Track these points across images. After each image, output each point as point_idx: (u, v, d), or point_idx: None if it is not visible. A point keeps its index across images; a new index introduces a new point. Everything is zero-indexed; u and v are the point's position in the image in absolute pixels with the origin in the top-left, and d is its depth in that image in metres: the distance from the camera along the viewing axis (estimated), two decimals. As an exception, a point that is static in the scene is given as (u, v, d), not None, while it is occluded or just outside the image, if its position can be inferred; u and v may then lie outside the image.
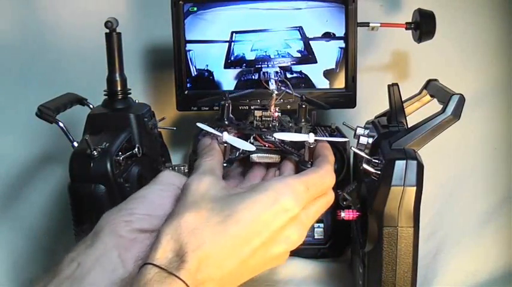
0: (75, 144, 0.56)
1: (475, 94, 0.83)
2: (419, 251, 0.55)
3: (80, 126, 0.60)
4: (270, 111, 0.58)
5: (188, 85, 0.71)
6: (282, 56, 0.69)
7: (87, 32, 0.82)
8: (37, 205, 0.86)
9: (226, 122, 0.58)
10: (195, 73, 0.70)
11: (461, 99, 0.55)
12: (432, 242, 0.85)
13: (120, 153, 0.55)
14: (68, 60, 0.84)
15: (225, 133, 0.55)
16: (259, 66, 0.69)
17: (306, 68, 0.69)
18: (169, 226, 0.44)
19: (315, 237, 0.77)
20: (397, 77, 0.85)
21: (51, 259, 0.86)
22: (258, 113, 0.59)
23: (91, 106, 0.65)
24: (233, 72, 0.70)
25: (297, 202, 0.46)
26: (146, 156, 0.61)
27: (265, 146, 0.57)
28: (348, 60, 0.69)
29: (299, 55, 0.69)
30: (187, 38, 0.69)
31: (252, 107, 0.69)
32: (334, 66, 0.70)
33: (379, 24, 0.70)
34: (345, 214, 0.58)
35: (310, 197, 0.48)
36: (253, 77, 0.69)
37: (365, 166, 0.56)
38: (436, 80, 0.67)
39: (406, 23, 0.71)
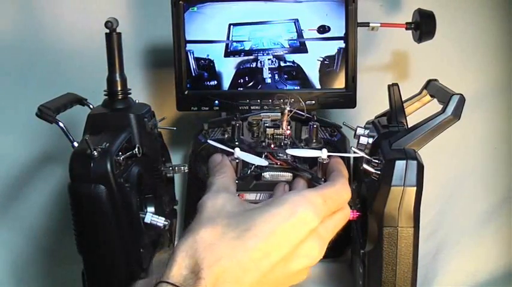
0: (75, 144, 0.55)
1: (475, 94, 0.83)
2: (419, 251, 0.55)
3: (80, 126, 0.60)
4: (282, 128, 0.58)
5: (188, 85, 0.71)
6: (275, 44, 0.69)
7: (87, 32, 0.81)
8: (37, 205, 0.86)
9: (237, 143, 0.58)
10: (195, 73, 0.70)
11: (462, 99, 0.55)
12: (432, 242, 0.85)
13: (120, 153, 0.55)
14: (68, 61, 0.84)
15: (237, 149, 0.55)
16: (256, 55, 0.69)
17: (298, 58, 0.70)
18: (184, 242, 0.43)
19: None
20: (397, 77, 0.85)
21: (51, 259, 0.87)
22: (269, 131, 0.59)
23: (91, 106, 0.64)
24: (233, 61, 0.70)
25: (315, 214, 0.46)
26: (146, 156, 0.61)
27: (277, 164, 0.56)
28: (348, 60, 0.69)
29: (292, 46, 0.69)
30: (188, 37, 0.69)
31: (252, 107, 0.70)
32: (334, 66, 0.70)
33: (379, 24, 0.70)
34: (345, 214, 0.58)
35: (327, 211, 0.48)
36: (251, 65, 0.70)
37: (365, 166, 0.56)
38: (436, 80, 0.67)
39: (406, 23, 0.71)
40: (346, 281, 0.76)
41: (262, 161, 0.55)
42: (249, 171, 0.56)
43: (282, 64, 0.70)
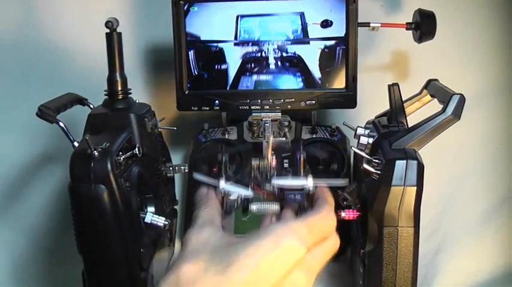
0: (76, 144, 0.56)
1: (475, 94, 0.83)
2: (420, 251, 0.55)
3: (80, 126, 0.60)
4: (267, 159, 0.58)
5: (188, 85, 0.71)
6: (280, 36, 0.70)
7: (88, 32, 0.82)
8: (37, 205, 0.86)
9: (224, 176, 0.58)
10: (196, 72, 0.71)
11: (462, 99, 0.55)
12: (432, 241, 0.85)
13: (120, 153, 0.55)
14: (68, 61, 0.84)
15: (222, 181, 0.55)
16: (262, 45, 0.70)
17: (299, 49, 0.70)
18: (167, 279, 0.43)
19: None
20: (398, 77, 0.85)
21: (51, 259, 0.87)
22: (255, 163, 0.59)
23: (91, 106, 0.65)
24: (240, 51, 0.70)
25: (301, 243, 0.45)
26: (146, 156, 0.61)
27: (263, 195, 0.56)
28: (348, 60, 0.69)
29: (296, 37, 0.70)
30: (188, 37, 0.69)
31: (252, 107, 0.70)
32: (334, 65, 0.70)
33: (379, 25, 0.70)
34: (345, 214, 0.58)
35: (314, 240, 0.47)
36: (256, 55, 0.70)
37: (365, 166, 0.56)
38: (436, 80, 0.67)
39: (407, 23, 0.71)
40: (346, 281, 0.75)
41: (246, 192, 0.55)
42: (235, 204, 0.56)
43: (284, 55, 0.70)
